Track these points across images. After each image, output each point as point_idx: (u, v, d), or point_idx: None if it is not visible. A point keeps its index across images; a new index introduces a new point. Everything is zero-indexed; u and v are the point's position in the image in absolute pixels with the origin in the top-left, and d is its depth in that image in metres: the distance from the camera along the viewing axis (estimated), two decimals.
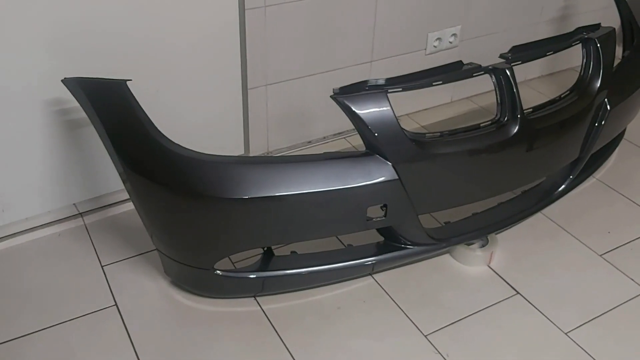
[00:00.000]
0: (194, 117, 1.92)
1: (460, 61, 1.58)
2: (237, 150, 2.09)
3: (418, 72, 1.53)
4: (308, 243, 1.58)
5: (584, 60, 1.74)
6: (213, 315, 1.54)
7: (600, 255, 1.76)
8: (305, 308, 1.57)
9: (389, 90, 1.46)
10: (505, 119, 1.57)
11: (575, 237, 1.82)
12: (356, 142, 2.27)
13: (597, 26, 1.79)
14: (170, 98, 1.83)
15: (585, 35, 1.73)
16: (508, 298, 1.62)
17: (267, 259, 1.56)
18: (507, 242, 1.79)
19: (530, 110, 1.64)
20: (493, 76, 1.57)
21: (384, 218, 1.50)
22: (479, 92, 2.60)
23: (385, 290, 1.63)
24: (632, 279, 1.68)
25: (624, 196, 2.00)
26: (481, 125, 1.57)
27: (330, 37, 2.06)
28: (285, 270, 1.54)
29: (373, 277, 1.67)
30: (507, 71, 1.55)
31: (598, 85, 1.72)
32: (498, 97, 1.58)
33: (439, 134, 1.53)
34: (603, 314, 1.58)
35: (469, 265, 1.71)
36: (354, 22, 2.08)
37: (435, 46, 2.32)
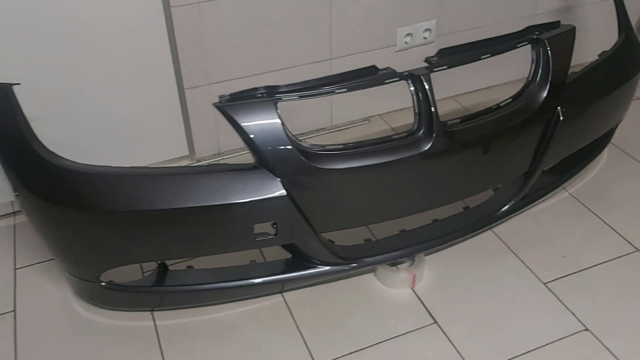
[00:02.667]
0: (130, 120, 1.86)
1: (374, 66, 1.43)
2: (181, 152, 2.03)
3: (323, 78, 1.39)
4: (215, 257, 1.50)
5: (533, 65, 1.54)
6: (105, 328, 1.49)
7: (545, 284, 1.57)
8: (199, 326, 1.49)
9: (284, 99, 1.34)
10: (421, 131, 1.41)
11: (521, 261, 1.64)
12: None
13: (554, 24, 1.58)
14: (102, 99, 1.79)
15: (534, 35, 1.52)
16: (423, 327, 1.47)
17: (162, 273, 1.48)
18: (439, 263, 1.63)
19: (458, 121, 1.47)
20: (410, 83, 1.41)
21: (274, 237, 1.38)
22: (463, 92, 2.40)
23: (290, 311, 1.52)
24: (573, 313, 1.49)
25: (594, 214, 1.78)
26: (394, 137, 1.42)
27: (278, 33, 1.94)
28: (178, 286, 1.46)
29: (283, 296, 1.56)
30: (423, 78, 1.38)
31: (546, 93, 1.51)
32: (415, 106, 1.42)
33: (341, 145, 1.39)
34: (526, 352, 1.40)
35: (391, 287, 1.57)
36: (304, 15, 1.95)
37: (406, 42, 2.15)
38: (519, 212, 1.75)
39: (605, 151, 2.02)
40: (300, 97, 1.36)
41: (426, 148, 1.39)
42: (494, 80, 2.40)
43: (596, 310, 1.49)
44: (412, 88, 1.41)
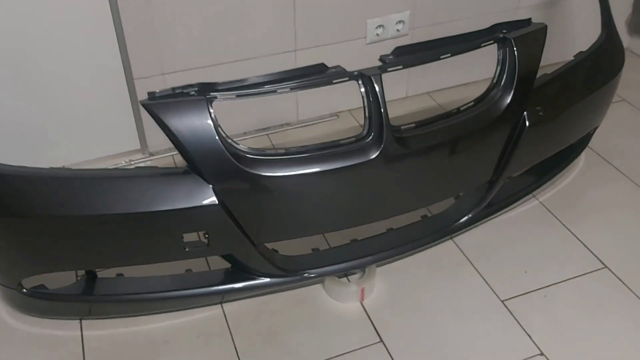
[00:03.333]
0: (75, 110, 1.76)
1: (323, 64, 1.31)
2: (131, 145, 1.92)
3: (267, 75, 1.28)
4: (149, 265, 1.39)
5: (498, 66, 1.42)
6: (28, 337, 1.39)
7: (503, 301, 1.47)
8: (129, 338, 1.39)
9: (219, 98, 1.22)
10: (370, 136, 1.30)
11: (480, 275, 1.53)
12: (279, 140, 2.04)
13: (525, 22, 1.46)
14: (45, 88, 1.68)
15: (501, 34, 1.40)
16: (367, 346, 1.37)
17: (90, 281, 1.38)
18: (393, 275, 1.53)
19: (412, 126, 1.35)
20: (360, 84, 1.29)
21: (206, 247, 1.28)
22: (440, 88, 2.28)
23: (228, 324, 1.42)
24: (529, 335, 1.39)
25: (564, 225, 1.67)
26: (341, 142, 1.31)
27: (237, 22, 1.82)
28: (106, 296, 1.36)
29: (222, 307, 1.46)
30: (373, 79, 1.27)
31: (510, 97, 1.40)
32: (366, 109, 1.30)
33: (283, 150, 1.28)
34: None
35: (339, 300, 1.47)
36: (265, 3, 1.82)
37: (378, 34, 2.03)
38: (482, 221, 1.64)
39: (583, 156, 1.91)
40: (238, 96, 1.25)
41: (374, 155, 1.28)
42: (475, 75, 2.27)
43: (554, 333, 1.39)
44: (362, 89, 1.30)
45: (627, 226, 1.66)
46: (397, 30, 2.04)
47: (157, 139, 1.97)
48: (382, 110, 1.28)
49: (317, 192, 1.30)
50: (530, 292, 1.49)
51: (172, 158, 1.97)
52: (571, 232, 1.65)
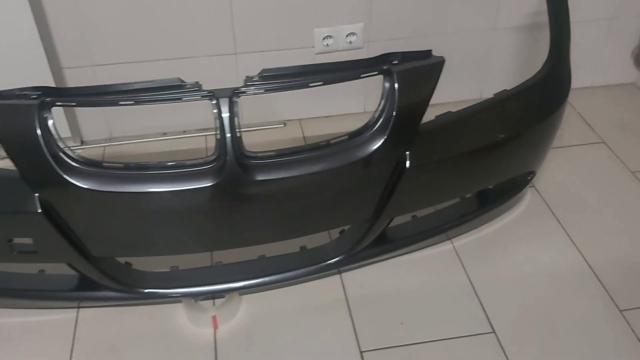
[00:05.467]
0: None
1: (179, 78, 1.24)
2: (62, 132, 1.91)
3: (117, 85, 1.23)
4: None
5: (381, 100, 1.29)
6: None
7: (361, 352, 1.36)
8: None
9: (57, 104, 1.19)
10: (215, 162, 1.22)
11: (351, 320, 1.42)
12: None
13: (423, 54, 1.31)
14: None
15: (386, 66, 1.27)
16: None
17: None
18: (259, 306, 1.45)
19: (272, 154, 1.26)
20: (214, 104, 1.21)
21: (35, 254, 1.26)
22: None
23: (75, 330, 1.40)
24: None
25: (468, 277, 1.52)
26: (187, 162, 1.24)
27: (171, 17, 1.77)
28: None
29: (78, 311, 1.44)
30: (220, 102, 1.19)
31: (387, 134, 1.27)
32: (217, 131, 1.22)
33: (121, 165, 1.23)
34: None
35: (194, 324, 1.41)
36: (199, 2, 1.76)
37: (327, 45, 1.92)
38: (376, 259, 1.52)
39: (526, 200, 1.73)
40: (78, 104, 1.21)
41: (215, 182, 1.20)
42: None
43: None
44: (214, 110, 1.22)
45: (537, 294, 1.48)
46: (350, 42, 1.92)
47: (92, 128, 1.98)
48: (228, 135, 1.19)
49: (152, 213, 1.24)
50: (396, 347, 1.37)
51: (102, 149, 1.96)
52: (472, 286, 1.50)
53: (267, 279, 1.42)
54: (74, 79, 1.83)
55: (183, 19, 1.78)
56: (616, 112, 2.12)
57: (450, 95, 2.09)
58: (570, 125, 2.05)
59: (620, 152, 1.92)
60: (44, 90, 1.19)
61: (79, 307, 1.44)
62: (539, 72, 1.49)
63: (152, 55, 1.84)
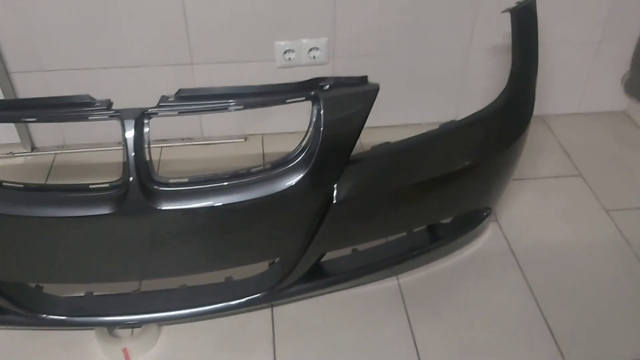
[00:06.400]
0: None
1: (88, 95, 1.15)
2: (11, 138, 1.86)
3: (35, 99, 1.16)
4: None
5: (309, 127, 1.19)
6: None
7: None
8: None
9: None
10: (119, 187, 1.14)
11: (274, 357, 1.33)
12: (172, 155, 1.91)
13: (359, 81, 1.21)
14: None
15: (313, 92, 1.17)
16: None
17: None
18: (176, 339, 1.36)
19: (185, 180, 1.17)
20: (121, 126, 1.13)
21: None
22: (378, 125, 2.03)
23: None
24: None
25: (408, 319, 1.41)
26: (90, 186, 1.16)
27: (122, 23, 1.70)
28: None
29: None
30: (125, 123, 1.10)
31: (310, 165, 1.17)
32: (127, 151, 1.13)
33: (21, 185, 1.15)
34: None
35: (106, 354, 1.33)
36: (151, 9, 1.68)
37: (289, 59, 1.83)
38: (311, 294, 1.43)
39: (486, 237, 1.62)
40: None
41: (115, 209, 1.12)
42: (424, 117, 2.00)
43: None
44: (121, 132, 1.13)
45: (479, 340, 1.37)
46: (313, 57, 1.83)
47: (44, 135, 1.91)
48: (132, 158, 1.11)
49: (51, 239, 1.17)
50: None
51: (53, 156, 1.90)
52: (410, 329, 1.39)
53: (186, 311, 1.34)
54: (23, 85, 1.76)
55: (135, 26, 1.71)
56: (600, 142, 1.99)
57: (423, 116, 2.00)
58: (547, 154, 1.92)
59: (598, 187, 1.79)
60: None
61: None
62: (494, 101, 1.38)
63: (104, 63, 1.77)
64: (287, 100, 1.18)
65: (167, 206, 1.14)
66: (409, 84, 1.93)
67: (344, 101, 1.17)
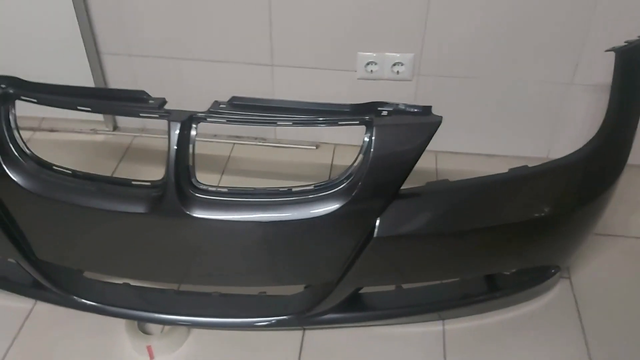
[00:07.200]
0: (38, 66, 1.81)
1: (144, 92, 1.16)
2: (95, 116, 1.92)
3: (86, 89, 1.18)
4: None
5: (359, 154, 1.11)
6: None
7: None
8: None
9: (21, 98, 1.15)
10: (157, 186, 1.12)
11: None
12: (241, 153, 1.90)
13: (422, 110, 1.11)
14: None
15: (369, 117, 1.09)
16: None
17: None
18: (208, 343, 1.34)
19: (224, 190, 1.14)
20: (169, 125, 1.12)
21: None
22: (457, 151, 1.91)
23: (22, 326, 1.37)
24: None
25: None
26: (133, 182, 1.15)
27: (208, 17, 1.69)
28: None
29: (34, 304, 1.42)
30: (171, 125, 1.08)
31: (352, 194, 1.09)
32: (169, 152, 1.12)
33: (70, 171, 1.17)
34: None
35: (133, 348, 1.33)
36: (239, 9, 1.67)
37: (371, 71, 1.75)
38: (342, 325, 1.35)
39: (552, 295, 1.47)
40: (39, 101, 1.16)
41: (148, 209, 1.11)
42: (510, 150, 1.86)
43: None
44: (170, 132, 1.12)
45: None
46: (397, 72, 1.73)
47: (129, 117, 1.95)
48: (172, 162, 1.09)
49: (88, 227, 1.17)
50: None
51: (132, 138, 1.95)
52: None
53: (214, 320, 1.32)
54: (111, 67, 1.81)
55: (221, 22, 1.70)
56: None
57: (508, 149, 1.85)
58: None
59: None
60: (10, 82, 1.16)
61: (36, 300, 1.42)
62: (577, 151, 1.22)
63: (187, 54, 1.78)
64: (340, 123, 1.11)
65: (200, 214, 1.11)
66: (496, 112, 1.79)
67: (400, 131, 1.08)
